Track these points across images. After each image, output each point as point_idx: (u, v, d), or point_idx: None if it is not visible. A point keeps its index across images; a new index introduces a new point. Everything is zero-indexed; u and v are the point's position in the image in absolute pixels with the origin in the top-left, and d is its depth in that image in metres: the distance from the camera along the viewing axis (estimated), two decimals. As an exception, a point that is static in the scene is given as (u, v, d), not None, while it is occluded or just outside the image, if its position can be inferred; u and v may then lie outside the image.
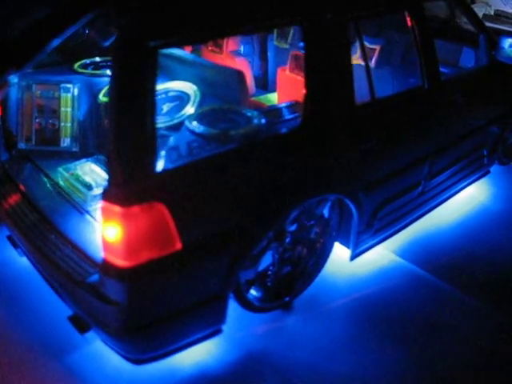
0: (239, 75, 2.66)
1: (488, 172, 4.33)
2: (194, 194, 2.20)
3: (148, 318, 2.33)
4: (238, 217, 2.36)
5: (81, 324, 2.51)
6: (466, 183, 4.05)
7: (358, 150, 2.81)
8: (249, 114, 2.56)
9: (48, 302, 2.96)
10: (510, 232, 3.85)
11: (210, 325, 2.59)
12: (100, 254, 2.40)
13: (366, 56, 2.81)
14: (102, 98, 3.11)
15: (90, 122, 3.31)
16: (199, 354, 2.67)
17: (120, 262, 2.14)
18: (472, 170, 4.04)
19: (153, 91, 2.04)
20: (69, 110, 3.26)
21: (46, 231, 2.68)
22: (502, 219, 4.00)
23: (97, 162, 3.14)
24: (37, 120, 3.26)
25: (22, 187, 3.02)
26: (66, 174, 2.96)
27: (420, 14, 3.07)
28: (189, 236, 2.23)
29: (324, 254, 3.10)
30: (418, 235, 3.71)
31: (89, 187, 2.85)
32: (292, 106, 2.84)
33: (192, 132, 2.44)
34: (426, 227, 3.77)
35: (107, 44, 2.43)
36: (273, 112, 2.69)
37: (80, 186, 2.86)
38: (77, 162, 3.10)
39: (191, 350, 2.57)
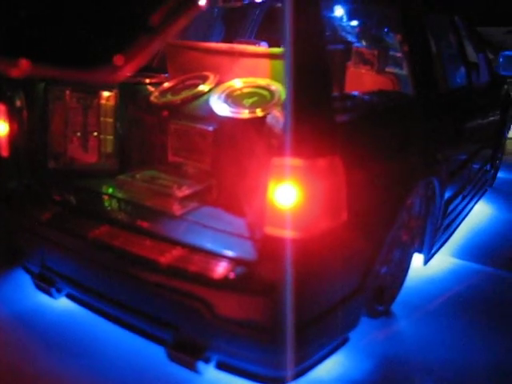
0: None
1: (486, 190, 4.57)
2: (365, 150, 1.97)
3: (310, 314, 1.93)
4: (395, 183, 2.15)
5: (194, 350, 2.00)
6: (480, 194, 4.21)
7: (446, 136, 2.80)
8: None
9: (118, 343, 2.41)
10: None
11: (349, 327, 2.22)
12: (227, 247, 2.02)
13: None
14: (161, 98, 2.73)
15: (132, 134, 2.88)
16: (332, 368, 2.26)
17: (292, 233, 1.77)
18: (484, 182, 4.23)
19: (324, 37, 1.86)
20: (110, 120, 2.83)
21: (136, 239, 2.17)
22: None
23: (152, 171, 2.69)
24: (71, 133, 2.77)
25: (72, 205, 2.50)
26: (138, 180, 2.49)
27: None
28: (352, 204, 1.94)
29: (411, 254, 2.91)
30: (463, 238, 3.74)
31: (171, 189, 2.41)
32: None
33: None
34: (462, 231, 3.80)
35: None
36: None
37: (161, 189, 2.41)
38: (132, 173, 2.63)
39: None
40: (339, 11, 3.01)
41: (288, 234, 1.77)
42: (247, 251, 1.98)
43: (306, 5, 1.80)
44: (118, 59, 1.68)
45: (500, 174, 5.30)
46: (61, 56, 1.83)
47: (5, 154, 2.61)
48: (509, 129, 5.14)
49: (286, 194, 1.75)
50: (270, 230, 1.80)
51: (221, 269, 1.94)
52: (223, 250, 2.01)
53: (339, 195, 1.85)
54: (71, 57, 1.85)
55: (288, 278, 1.79)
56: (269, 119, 2.28)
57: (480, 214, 4.32)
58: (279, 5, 2.12)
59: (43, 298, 2.58)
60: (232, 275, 1.89)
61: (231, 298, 1.89)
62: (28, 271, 2.61)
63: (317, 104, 1.80)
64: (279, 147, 1.76)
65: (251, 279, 1.86)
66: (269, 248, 1.82)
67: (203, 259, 2.00)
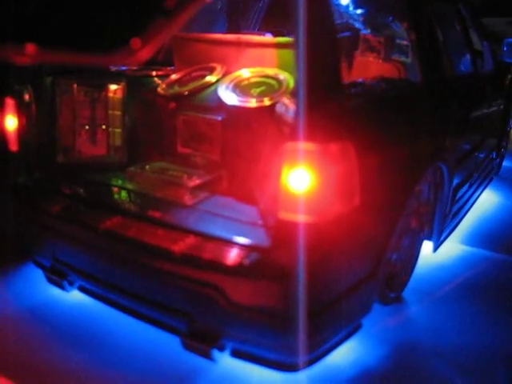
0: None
1: (492, 178, 4.57)
2: (375, 136, 1.98)
3: (324, 299, 1.94)
4: (405, 169, 2.16)
5: (209, 338, 2.01)
6: (487, 182, 4.21)
7: (453, 122, 2.80)
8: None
9: (132, 335, 2.42)
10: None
11: (362, 313, 2.23)
12: (240, 234, 2.02)
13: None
14: (168, 89, 2.74)
15: (140, 126, 2.88)
16: (346, 354, 2.27)
17: (306, 217, 1.77)
18: (490, 170, 4.23)
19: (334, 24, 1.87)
20: (118, 113, 2.83)
21: (148, 229, 2.17)
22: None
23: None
24: (79, 127, 2.77)
25: (82, 198, 2.50)
26: (148, 171, 2.50)
27: None
28: (364, 190, 1.94)
29: (421, 240, 2.92)
30: (470, 225, 3.75)
31: (181, 179, 2.42)
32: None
33: None
34: (469, 219, 3.81)
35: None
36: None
37: (171, 179, 2.42)
38: (142, 164, 2.64)
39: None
40: (345, -1, 3.01)
41: (302, 218, 1.78)
42: (260, 237, 1.98)
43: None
44: (133, 43, 1.68)
45: (505, 163, 5.30)
46: (73, 40, 1.83)
47: (14, 148, 2.61)
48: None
49: (300, 179, 1.76)
50: (284, 215, 1.81)
51: (234, 255, 1.94)
52: (236, 237, 2.01)
53: (352, 180, 1.86)
54: (83, 41, 1.84)
55: (302, 262, 1.80)
56: (278, 107, 2.29)
57: (486, 202, 4.33)
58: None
59: (54, 292, 2.60)
60: (246, 261, 1.90)
61: (245, 284, 1.89)
62: (39, 265, 2.61)
63: (328, 90, 1.81)
64: (291, 133, 1.77)
65: (265, 265, 1.86)
66: (282, 233, 1.83)
67: (216, 247, 2.00)
